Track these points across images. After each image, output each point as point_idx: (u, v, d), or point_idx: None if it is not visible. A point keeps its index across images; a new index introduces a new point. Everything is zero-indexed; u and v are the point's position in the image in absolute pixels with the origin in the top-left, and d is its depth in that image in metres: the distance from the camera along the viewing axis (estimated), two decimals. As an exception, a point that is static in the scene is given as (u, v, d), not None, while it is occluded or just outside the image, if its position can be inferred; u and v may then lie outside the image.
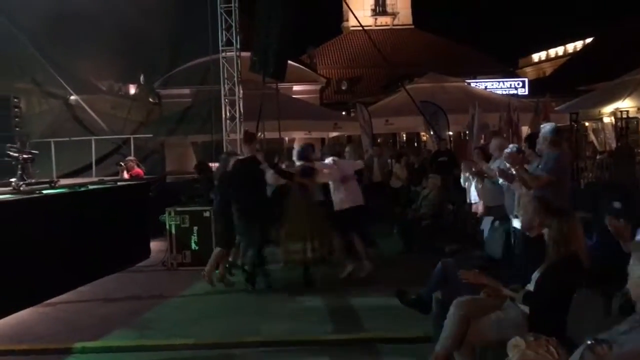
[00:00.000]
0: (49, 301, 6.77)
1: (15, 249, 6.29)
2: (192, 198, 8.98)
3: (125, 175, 10.45)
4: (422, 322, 4.97)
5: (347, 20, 35.90)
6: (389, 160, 14.17)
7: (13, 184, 7.08)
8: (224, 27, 11.84)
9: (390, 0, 37.30)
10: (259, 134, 12.59)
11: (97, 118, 13.92)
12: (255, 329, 5.81)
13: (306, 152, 7.81)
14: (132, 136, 12.77)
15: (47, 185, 7.69)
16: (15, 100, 12.54)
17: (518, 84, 27.67)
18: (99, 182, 8.76)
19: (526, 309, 3.78)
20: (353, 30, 34.44)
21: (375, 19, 36.82)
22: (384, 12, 37.28)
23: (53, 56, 13.87)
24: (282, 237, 7.37)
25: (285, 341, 5.46)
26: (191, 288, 7.53)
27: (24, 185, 7.12)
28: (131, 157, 11.01)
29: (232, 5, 11.74)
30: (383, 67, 27.57)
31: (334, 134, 19.84)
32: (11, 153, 7.54)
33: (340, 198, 7.66)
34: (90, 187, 8.34)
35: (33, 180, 7.63)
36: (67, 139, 12.26)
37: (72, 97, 15.01)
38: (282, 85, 16.55)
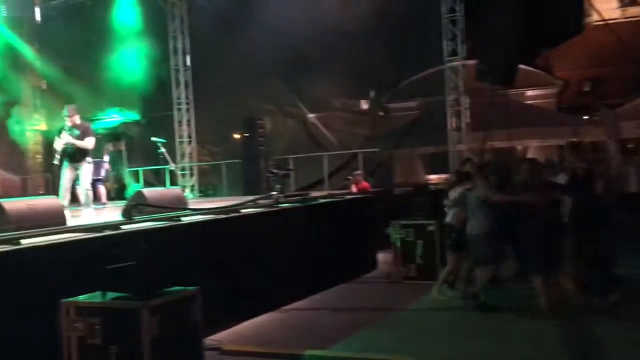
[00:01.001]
0: (284, 307, 7.28)
1: (262, 256, 6.94)
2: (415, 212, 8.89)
3: (354, 188, 10.83)
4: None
5: (590, 16, 32.62)
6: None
7: (274, 196, 8.07)
8: (448, 37, 11.65)
9: (643, -13, 32.96)
10: (488, 144, 12.07)
11: (328, 134, 14.79)
12: (482, 353, 5.46)
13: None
14: (360, 150, 13.26)
15: (301, 198, 8.63)
16: (260, 121, 14.03)
17: None
18: (328, 195, 9.21)
19: None
20: (596, 26, 31.17)
21: (624, 10, 32.85)
22: (633, 2, 33.08)
23: (293, 81, 15.16)
24: None
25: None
26: (416, 303, 7.42)
27: (282, 198, 8.10)
28: (358, 171, 11.39)
29: (457, 14, 11.50)
30: (633, 64, 24.39)
31: (574, 140, 18.09)
32: (273, 170, 8.63)
33: None
34: (321, 200, 8.82)
35: (290, 193, 8.55)
36: (303, 155, 13.23)
37: (310, 116, 16.17)
38: (512, 91, 15.70)
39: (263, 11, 14.05)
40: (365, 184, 10.95)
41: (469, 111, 11.94)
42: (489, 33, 11.61)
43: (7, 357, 4.33)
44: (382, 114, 21.69)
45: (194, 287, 4.37)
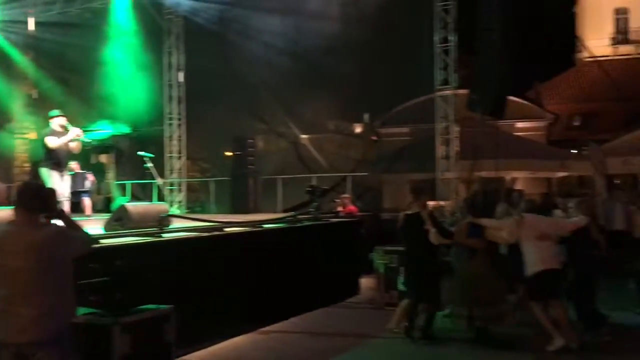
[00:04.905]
0: (263, 329, 7.20)
1: (241, 276, 6.85)
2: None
3: (341, 211, 10.79)
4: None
5: (582, 51, 33.08)
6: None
7: (312, 213, 8.95)
8: (441, 66, 11.78)
9: (635, 26, 33.54)
10: (476, 173, 12.12)
11: (318, 156, 14.81)
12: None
13: (472, 206, 7.23)
14: (349, 174, 13.28)
15: (333, 215, 9.60)
16: (250, 140, 14.02)
17: None
18: (313, 217, 9.17)
19: None
20: (588, 62, 31.61)
21: (616, 48, 33.38)
22: (625, 41, 33.64)
23: (286, 101, 15.20)
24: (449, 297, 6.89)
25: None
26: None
27: (319, 214, 9.01)
28: (346, 194, 11.39)
29: (450, 44, 11.65)
30: (624, 101, 24.75)
31: (561, 174, 18.23)
32: (309, 189, 9.55)
33: (532, 260, 6.39)
34: (306, 222, 8.78)
35: (325, 211, 9.51)
36: (292, 176, 13.23)
37: (301, 137, 16.20)
38: (503, 122, 15.82)
39: (258, 30, 14.12)
40: (352, 207, 10.91)
41: (458, 140, 12.01)
42: (480, 64, 11.74)
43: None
44: (374, 138, 21.76)
45: (168, 306, 4.31)
